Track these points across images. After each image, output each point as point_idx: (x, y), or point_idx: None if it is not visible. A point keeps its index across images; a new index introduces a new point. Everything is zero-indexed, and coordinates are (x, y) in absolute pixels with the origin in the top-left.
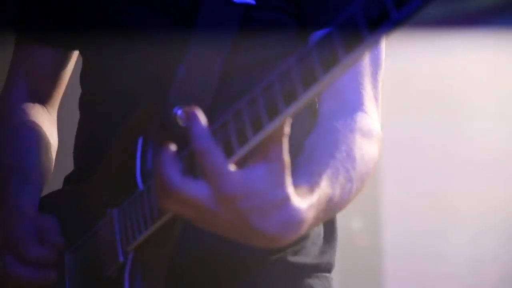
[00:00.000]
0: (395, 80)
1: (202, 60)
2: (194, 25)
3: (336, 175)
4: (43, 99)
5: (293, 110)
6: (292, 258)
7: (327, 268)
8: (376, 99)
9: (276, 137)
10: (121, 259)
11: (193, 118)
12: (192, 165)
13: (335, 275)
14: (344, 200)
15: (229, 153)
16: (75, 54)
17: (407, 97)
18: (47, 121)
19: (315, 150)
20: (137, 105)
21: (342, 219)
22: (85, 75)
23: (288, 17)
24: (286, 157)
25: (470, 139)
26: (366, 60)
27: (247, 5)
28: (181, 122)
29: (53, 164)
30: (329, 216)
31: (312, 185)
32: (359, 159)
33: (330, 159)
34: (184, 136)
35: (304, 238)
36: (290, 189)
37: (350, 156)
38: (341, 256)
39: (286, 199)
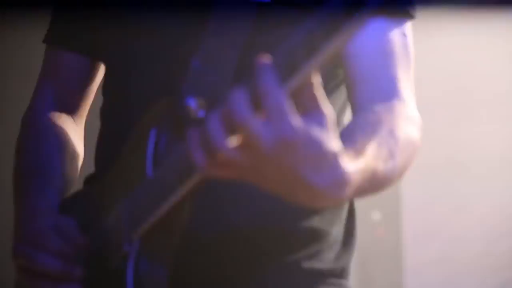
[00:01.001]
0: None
1: (217, 52)
2: (208, 20)
3: (379, 150)
4: (71, 109)
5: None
6: (306, 264)
7: (342, 274)
8: (410, 90)
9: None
10: (126, 248)
11: (260, 60)
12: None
13: (355, 267)
14: (386, 177)
15: None
16: (102, 68)
17: (426, 91)
18: (73, 130)
19: (356, 129)
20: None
21: (361, 211)
22: (107, 83)
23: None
24: (329, 111)
25: (488, 133)
26: (397, 52)
27: (262, 3)
28: (194, 114)
29: (78, 173)
30: (371, 191)
31: (357, 152)
32: (402, 138)
33: (372, 135)
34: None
35: (321, 240)
36: (340, 147)
37: (393, 135)
38: (361, 247)
39: (338, 155)
